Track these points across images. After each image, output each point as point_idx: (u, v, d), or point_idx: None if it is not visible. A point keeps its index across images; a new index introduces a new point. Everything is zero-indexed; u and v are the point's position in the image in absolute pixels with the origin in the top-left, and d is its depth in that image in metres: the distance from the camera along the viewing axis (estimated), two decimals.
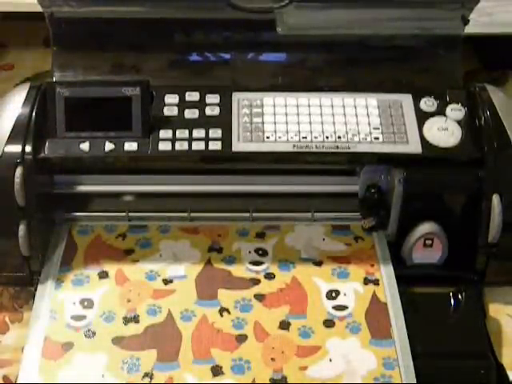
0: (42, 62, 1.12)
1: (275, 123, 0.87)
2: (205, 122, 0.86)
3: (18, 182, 0.82)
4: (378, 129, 0.87)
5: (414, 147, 0.85)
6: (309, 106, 0.88)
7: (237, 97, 0.88)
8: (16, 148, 0.84)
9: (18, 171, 0.82)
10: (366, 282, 0.86)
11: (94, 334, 0.80)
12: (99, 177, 0.91)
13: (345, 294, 0.84)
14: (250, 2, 0.90)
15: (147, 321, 0.82)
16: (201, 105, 0.88)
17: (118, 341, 0.80)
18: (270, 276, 0.86)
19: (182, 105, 0.87)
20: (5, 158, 0.83)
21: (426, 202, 0.88)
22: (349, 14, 0.92)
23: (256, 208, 0.92)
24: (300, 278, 0.86)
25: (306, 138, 0.86)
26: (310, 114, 0.88)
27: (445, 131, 0.86)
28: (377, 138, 0.86)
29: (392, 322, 0.82)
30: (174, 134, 0.85)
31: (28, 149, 0.84)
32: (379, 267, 0.87)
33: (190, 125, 0.86)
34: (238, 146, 0.85)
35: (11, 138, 0.84)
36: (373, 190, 0.91)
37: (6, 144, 0.84)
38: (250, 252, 0.89)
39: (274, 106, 0.88)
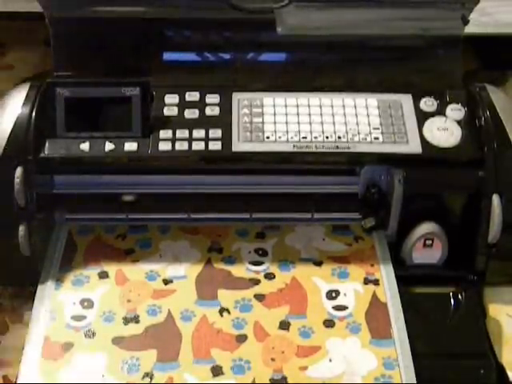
0: (42, 62, 1.12)
1: (275, 123, 0.87)
2: (205, 121, 0.86)
3: (18, 182, 0.82)
4: (378, 129, 0.87)
5: (414, 147, 0.85)
6: (309, 106, 0.88)
7: (237, 97, 0.88)
8: (16, 148, 0.84)
9: (18, 171, 0.82)
10: (366, 282, 0.86)
11: (93, 334, 0.80)
12: (99, 177, 0.91)
13: (345, 294, 0.84)
14: (250, 3, 0.90)
15: (147, 321, 0.82)
16: (201, 105, 0.88)
17: (117, 341, 0.80)
18: (269, 276, 0.86)
19: (182, 105, 0.87)
20: (5, 158, 0.83)
21: (426, 202, 0.88)
22: (349, 13, 0.92)
23: (256, 208, 0.92)
24: (300, 278, 0.86)
25: (305, 138, 0.86)
26: (309, 114, 0.88)
27: (445, 131, 0.86)
28: (377, 138, 0.86)
29: (392, 321, 0.82)
30: (174, 134, 0.85)
31: (28, 149, 0.84)
32: (379, 267, 0.87)
33: (190, 125, 0.86)
34: (238, 145, 0.85)
35: (11, 138, 0.84)
36: (373, 190, 0.91)
37: (5, 144, 0.84)
38: (249, 252, 0.89)
39: (274, 106, 0.88)
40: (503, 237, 0.85)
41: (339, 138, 0.86)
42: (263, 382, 0.77)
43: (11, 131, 0.84)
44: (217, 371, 0.78)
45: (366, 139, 0.86)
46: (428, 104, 0.88)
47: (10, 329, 0.86)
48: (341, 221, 0.93)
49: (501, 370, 0.82)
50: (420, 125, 0.87)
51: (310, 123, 0.87)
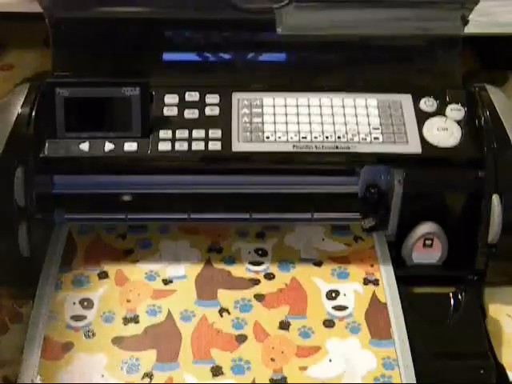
0: (42, 62, 1.12)
1: (275, 123, 0.87)
2: (205, 122, 0.86)
3: (18, 182, 0.82)
4: (378, 129, 0.87)
5: (414, 147, 0.85)
6: (309, 106, 0.88)
7: (237, 97, 0.88)
8: (16, 148, 0.84)
9: (18, 171, 0.82)
10: (366, 282, 0.86)
11: (93, 334, 0.80)
12: (99, 177, 0.91)
13: (345, 295, 0.84)
14: (250, 3, 0.90)
15: (147, 321, 0.82)
16: (201, 105, 0.88)
17: (117, 341, 0.80)
18: (269, 276, 0.86)
19: (182, 105, 0.87)
20: (5, 158, 0.83)
21: (426, 202, 0.88)
22: (349, 14, 0.92)
23: (256, 208, 0.92)
24: (300, 278, 0.86)
25: (305, 138, 0.86)
26: (309, 114, 0.88)
27: (445, 131, 0.86)
28: (377, 138, 0.86)
29: (392, 322, 0.82)
30: (174, 134, 0.85)
31: (28, 149, 0.84)
32: (379, 267, 0.87)
33: (190, 125, 0.86)
34: (238, 146, 0.85)
35: (11, 138, 0.84)
36: (373, 190, 0.91)
37: (5, 144, 0.84)
38: (249, 252, 0.89)
39: (274, 106, 0.88)
40: (503, 237, 0.85)
41: (339, 138, 0.86)
42: (263, 382, 0.77)
43: (11, 131, 0.84)
44: (217, 371, 0.78)
45: (365, 139, 0.86)
46: (428, 104, 0.88)
47: (10, 329, 0.86)
48: (341, 221, 0.93)
49: (501, 370, 0.82)
50: (420, 125, 0.87)
51: (310, 123, 0.87)
